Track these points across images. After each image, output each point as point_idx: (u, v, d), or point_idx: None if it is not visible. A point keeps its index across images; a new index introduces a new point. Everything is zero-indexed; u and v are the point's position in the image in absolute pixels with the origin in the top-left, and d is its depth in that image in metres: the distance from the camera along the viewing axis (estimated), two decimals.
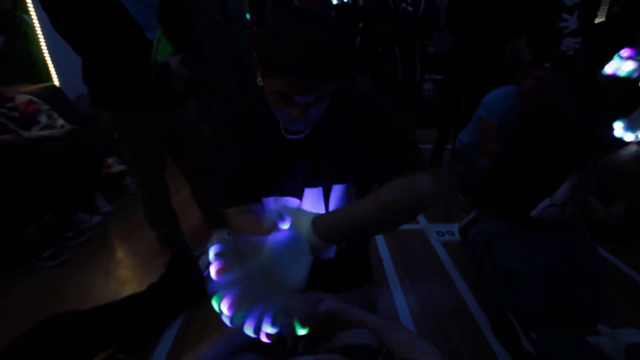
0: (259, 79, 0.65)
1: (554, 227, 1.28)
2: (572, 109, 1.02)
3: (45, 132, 1.88)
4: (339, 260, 0.88)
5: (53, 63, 2.59)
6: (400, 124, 0.80)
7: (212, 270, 0.49)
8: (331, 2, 3.31)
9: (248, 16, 2.87)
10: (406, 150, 0.78)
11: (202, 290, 1.50)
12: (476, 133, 2.09)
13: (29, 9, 2.41)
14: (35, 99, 2.04)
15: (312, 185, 0.79)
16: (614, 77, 0.98)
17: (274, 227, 0.57)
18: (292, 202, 0.80)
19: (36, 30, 2.47)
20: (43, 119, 1.97)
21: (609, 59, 0.99)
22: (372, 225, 0.64)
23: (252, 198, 0.80)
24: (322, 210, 0.81)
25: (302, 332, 0.53)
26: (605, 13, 2.66)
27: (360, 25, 2.58)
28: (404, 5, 2.14)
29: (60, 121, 2.03)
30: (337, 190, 0.79)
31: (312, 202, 0.81)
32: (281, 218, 0.56)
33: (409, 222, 0.69)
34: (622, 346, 1.06)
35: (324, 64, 0.56)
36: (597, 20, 2.13)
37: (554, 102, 1.10)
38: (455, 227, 1.97)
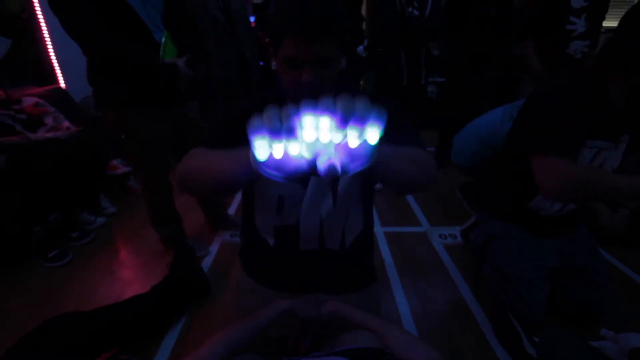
0: (273, 63, 0.75)
1: (554, 225, 1.27)
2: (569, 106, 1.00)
3: (51, 134, 1.90)
4: (345, 259, 0.88)
5: (59, 65, 2.63)
6: (408, 124, 0.82)
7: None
8: None
9: (253, 19, 2.89)
10: (414, 139, 0.79)
11: (205, 291, 1.51)
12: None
13: (37, 11, 2.45)
14: (41, 101, 2.06)
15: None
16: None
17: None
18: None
19: (43, 33, 2.50)
20: (49, 121, 2.00)
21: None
22: (393, 163, 0.60)
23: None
24: (329, 201, 0.82)
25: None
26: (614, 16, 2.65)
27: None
28: (410, 9, 2.14)
29: (66, 123, 2.05)
30: (345, 180, 0.81)
31: (318, 190, 0.81)
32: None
33: (414, 182, 0.68)
34: (625, 350, 1.05)
35: (322, 23, 0.65)
36: (605, 23, 2.12)
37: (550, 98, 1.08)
38: (457, 230, 1.96)
